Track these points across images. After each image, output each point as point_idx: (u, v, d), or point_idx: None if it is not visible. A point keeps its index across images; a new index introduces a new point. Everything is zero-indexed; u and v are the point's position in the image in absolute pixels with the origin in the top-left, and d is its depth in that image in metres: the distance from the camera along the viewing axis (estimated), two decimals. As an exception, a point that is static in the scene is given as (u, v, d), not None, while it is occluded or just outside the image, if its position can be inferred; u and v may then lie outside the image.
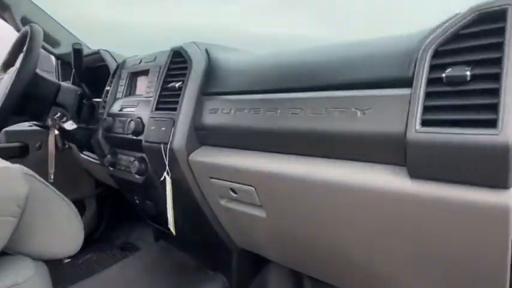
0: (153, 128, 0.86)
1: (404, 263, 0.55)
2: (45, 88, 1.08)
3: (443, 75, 0.42)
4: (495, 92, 0.38)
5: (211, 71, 0.83)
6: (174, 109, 0.81)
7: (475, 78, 0.40)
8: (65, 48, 1.51)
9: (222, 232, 0.94)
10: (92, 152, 1.24)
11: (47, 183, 0.83)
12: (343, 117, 0.53)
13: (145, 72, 1.03)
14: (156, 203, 1.03)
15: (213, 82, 0.81)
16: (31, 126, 1.42)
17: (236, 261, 1.05)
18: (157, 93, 0.88)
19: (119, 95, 1.11)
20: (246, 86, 0.73)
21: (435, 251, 0.50)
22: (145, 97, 0.97)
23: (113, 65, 1.23)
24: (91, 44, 1.54)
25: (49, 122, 1.09)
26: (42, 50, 1.32)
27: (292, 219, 0.68)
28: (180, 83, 0.83)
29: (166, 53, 0.92)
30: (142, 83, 1.05)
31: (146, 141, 0.87)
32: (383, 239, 0.55)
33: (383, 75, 0.51)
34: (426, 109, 0.43)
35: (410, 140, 0.43)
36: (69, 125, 1.10)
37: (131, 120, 0.94)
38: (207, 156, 0.77)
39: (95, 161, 1.24)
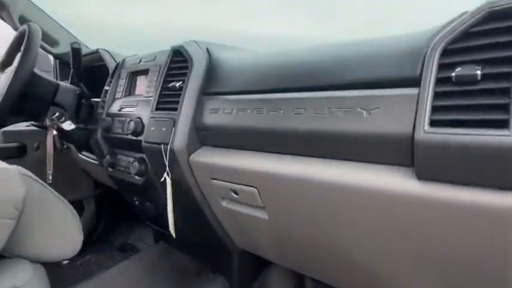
0: (153, 128, 0.85)
1: (412, 267, 0.54)
2: (43, 88, 1.07)
3: (453, 74, 0.41)
4: (506, 92, 0.37)
5: (212, 71, 0.82)
6: (175, 109, 0.80)
7: (485, 77, 0.39)
8: (64, 48, 1.50)
9: (222, 233, 0.93)
10: (91, 152, 1.23)
11: (45, 184, 0.81)
12: (348, 117, 0.52)
13: (145, 72, 1.01)
14: (156, 204, 1.02)
15: (214, 82, 0.80)
16: (29, 126, 1.41)
17: (237, 263, 1.04)
18: (158, 93, 0.87)
19: (118, 94, 1.09)
20: (248, 86, 0.72)
21: (440, 252, 0.49)
22: (145, 97, 0.96)
23: (112, 65, 1.22)
24: (90, 44, 1.53)
25: (47, 122, 1.08)
26: (40, 50, 1.31)
27: (295, 221, 0.67)
28: (181, 82, 0.82)
29: (166, 52, 0.91)
30: (141, 83, 1.04)
31: (146, 142, 0.86)
32: (388, 241, 0.54)
33: (389, 75, 0.50)
34: (435, 109, 0.42)
35: (419, 141, 0.42)
36: (68, 125, 1.09)
37: (131, 120, 0.92)
38: (208, 157, 0.76)
39: (93, 161, 1.22)
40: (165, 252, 1.30)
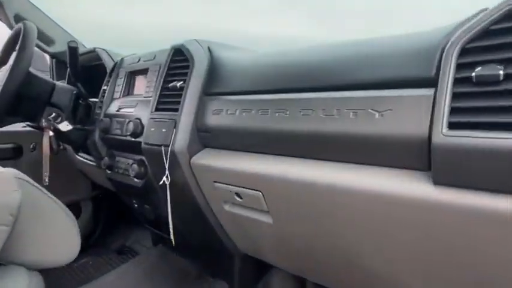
0: (153, 129, 0.82)
1: (427, 274, 0.52)
2: (39, 87, 1.04)
3: (473, 74, 0.39)
4: (531, 93, 0.35)
5: (214, 70, 0.80)
6: (176, 109, 0.78)
7: (508, 77, 0.37)
8: (60, 47, 1.48)
9: (224, 237, 0.90)
10: (88, 153, 1.20)
11: (41, 187, 0.79)
12: (359, 118, 0.50)
13: (144, 71, 0.99)
14: (155, 207, 1.00)
15: (216, 81, 0.78)
16: (25, 127, 1.38)
17: (238, 267, 1.02)
18: (158, 93, 0.85)
19: (117, 94, 1.07)
20: (251, 86, 0.70)
21: (455, 259, 0.47)
22: (145, 97, 0.93)
23: (109, 64, 1.19)
24: (89, 43, 1.50)
25: (43, 122, 1.05)
26: (36, 49, 1.28)
27: (301, 226, 0.65)
28: (182, 82, 0.79)
29: (166, 51, 0.89)
30: (141, 83, 1.02)
31: (146, 143, 0.83)
32: (399, 247, 0.52)
33: (403, 75, 0.48)
34: (453, 111, 0.40)
35: (437, 144, 0.40)
36: (64, 126, 1.06)
37: (130, 121, 0.90)
38: (211, 159, 0.73)
39: (91, 163, 1.20)
40: (164, 255, 1.27)
